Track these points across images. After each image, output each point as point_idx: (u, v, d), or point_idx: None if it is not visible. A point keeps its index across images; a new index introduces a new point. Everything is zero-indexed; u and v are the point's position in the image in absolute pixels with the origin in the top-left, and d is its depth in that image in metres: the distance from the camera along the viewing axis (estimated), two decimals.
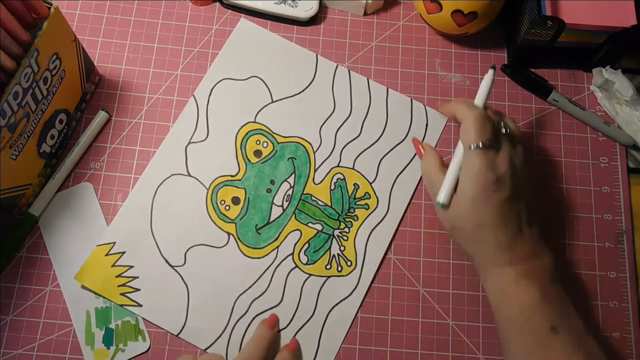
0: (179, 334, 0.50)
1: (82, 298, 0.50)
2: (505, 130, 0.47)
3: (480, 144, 0.45)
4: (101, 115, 0.55)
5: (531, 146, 0.57)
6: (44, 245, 0.52)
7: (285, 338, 0.50)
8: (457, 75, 0.59)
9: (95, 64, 0.56)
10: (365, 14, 0.61)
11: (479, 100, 0.49)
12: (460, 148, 0.47)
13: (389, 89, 0.58)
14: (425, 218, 0.54)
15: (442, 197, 0.46)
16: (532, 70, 0.59)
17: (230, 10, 0.60)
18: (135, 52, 0.58)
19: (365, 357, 0.50)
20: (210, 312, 0.50)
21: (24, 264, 0.51)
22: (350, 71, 0.58)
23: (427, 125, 0.57)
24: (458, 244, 0.49)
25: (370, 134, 0.56)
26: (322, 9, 0.60)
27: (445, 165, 0.49)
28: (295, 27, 0.60)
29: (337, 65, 0.58)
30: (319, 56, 0.58)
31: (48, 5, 0.46)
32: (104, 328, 0.50)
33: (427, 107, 0.57)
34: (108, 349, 0.49)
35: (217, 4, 0.60)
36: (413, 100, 0.57)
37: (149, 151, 0.55)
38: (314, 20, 0.60)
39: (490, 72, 0.49)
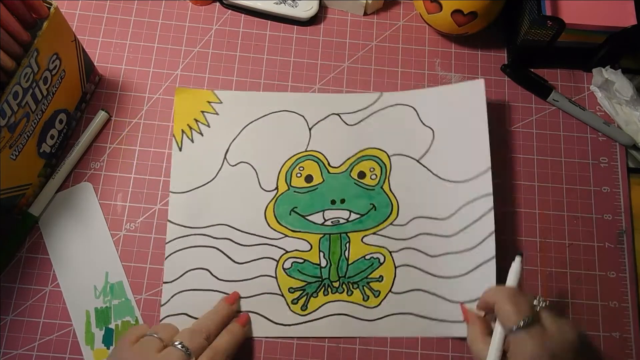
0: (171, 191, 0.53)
1: (82, 298, 0.50)
2: (543, 303, 0.44)
3: (522, 322, 0.41)
4: (101, 115, 0.55)
5: (531, 146, 0.57)
6: (44, 245, 0.52)
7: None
8: (457, 75, 0.59)
9: (95, 64, 0.56)
10: (365, 14, 0.61)
11: (510, 283, 0.46)
12: (499, 329, 0.44)
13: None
14: None
15: None
16: (532, 70, 0.59)
17: (230, 10, 0.60)
18: (135, 52, 0.58)
19: (366, 357, 0.50)
20: (198, 206, 0.53)
21: (24, 264, 0.51)
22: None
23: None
24: None
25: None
26: (322, 9, 0.60)
27: (490, 334, 0.45)
28: (295, 27, 0.60)
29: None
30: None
31: (48, 5, 0.46)
32: (104, 328, 0.50)
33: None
34: (108, 349, 0.49)
35: (217, 4, 0.60)
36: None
37: (149, 151, 0.55)
38: (314, 20, 0.60)
39: (518, 259, 0.46)
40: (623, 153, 0.57)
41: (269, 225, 0.53)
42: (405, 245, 0.52)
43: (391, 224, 0.53)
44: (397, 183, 0.54)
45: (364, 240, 0.52)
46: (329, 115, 0.56)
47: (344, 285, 0.51)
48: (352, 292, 0.51)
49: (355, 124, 0.56)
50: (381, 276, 0.52)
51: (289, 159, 0.54)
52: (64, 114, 0.52)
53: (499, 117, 0.58)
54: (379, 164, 0.54)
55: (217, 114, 0.55)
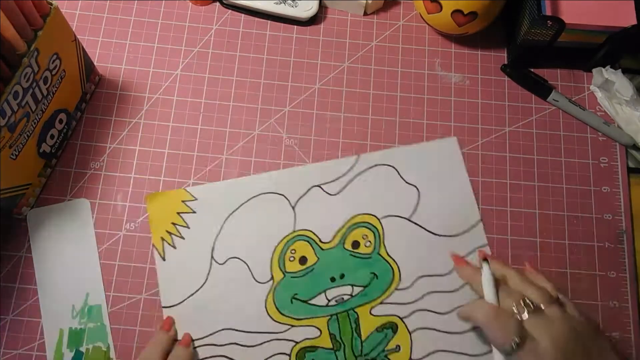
0: (170, 306, 0.50)
1: (58, 315, 0.49)
2: (525, 311, 0.42)
3: (513, 344, 0.40)
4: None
5: (531, 146, 0.57)
6: None
7: None
8: (457, 75, 0.59)
9: (95, 64, 0.56)
10: (365, 14, 0.61)
11: (488, 297, 0.44)
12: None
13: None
14: None
15: None
16: (532, 70, 0.59)
17: (230, 10, 0.60)
18: (135, 52, 0.58)
19: None
20: (195, 316, 0.50)
21: (24, 264, 0.51)
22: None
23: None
24: None
25: None
26: (322, 9, 0.60)
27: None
28: (295, 27, 0.60)
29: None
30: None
31: (48, 5, 0.46)
32: (74, 350, 0.49)
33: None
34: None
35: (217, 4, 0.60)
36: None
37: (149, 151, 0.55)
38: (314, 20, 0.60)
39: (486, 268, 0.46)
40: (623, 153, 0.57)
41: (272, 318, 0.50)
42: (414, 308, 0.51)
43: (396, 288, 0.51)
44: (393, 245, 0.52)
45: (372, 312, 0.50)
46: (310, 189, 0.54)
47: None
48: None
49: (338, 193, 0.54)
50: (398, 345, 0.50)
51: (278, 244, 0.52)
52: (64, 113, 0.52)
53: (499, 117, 0.58)
54: (371, 229, 0.53)
55: (194, 212, 0.53)
